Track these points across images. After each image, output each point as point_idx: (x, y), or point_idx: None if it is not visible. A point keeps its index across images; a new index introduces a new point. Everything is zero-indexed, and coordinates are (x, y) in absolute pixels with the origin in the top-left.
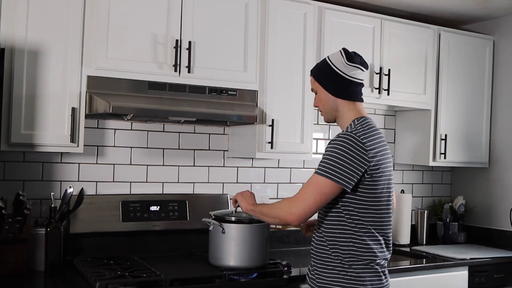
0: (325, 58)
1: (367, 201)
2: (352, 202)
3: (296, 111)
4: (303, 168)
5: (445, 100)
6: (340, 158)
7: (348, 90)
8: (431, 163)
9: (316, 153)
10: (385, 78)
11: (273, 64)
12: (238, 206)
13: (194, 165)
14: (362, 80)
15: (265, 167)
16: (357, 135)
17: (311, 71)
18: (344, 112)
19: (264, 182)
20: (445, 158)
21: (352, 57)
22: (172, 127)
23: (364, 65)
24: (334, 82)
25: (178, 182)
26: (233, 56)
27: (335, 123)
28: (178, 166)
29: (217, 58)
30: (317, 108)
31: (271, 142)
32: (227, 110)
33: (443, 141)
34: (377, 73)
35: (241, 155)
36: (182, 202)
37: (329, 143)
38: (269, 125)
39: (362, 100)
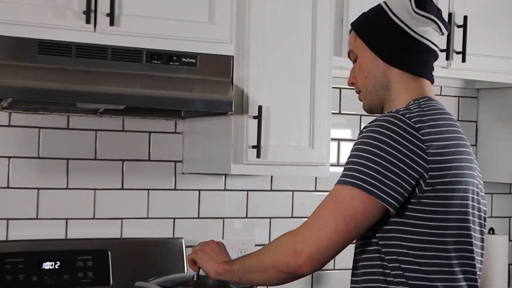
0: (379, 4)
1: (429, 236)
2: (401, 237)
3: (301, 93)
4: (315, 191)
5: None
6: (378, 154)
7: (412, 56)
8: None
9: (338, 164)
10: (458, 33)
11: (259, 10)
12: (200, 269)
13: (122, 188)
14: (436, 45)
15: (247, 190)
16: (407, 116)
17: (353, 24)
18: (398, 92)
19: (247, 217)
20: None
21: (425, 3)
22: (84, 122)
23: (444, 22)
24: (390, 39)
25: (94, 218)
26: None
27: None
28: (95, 189)
29: None
30: (353, 87)
31: (258, 147)
32: (180, 90)
33: None
34: None
35: (205, 169)
36: (101, 253)
37: (360, 133)
38: (254, 117)
39: (432, 79)
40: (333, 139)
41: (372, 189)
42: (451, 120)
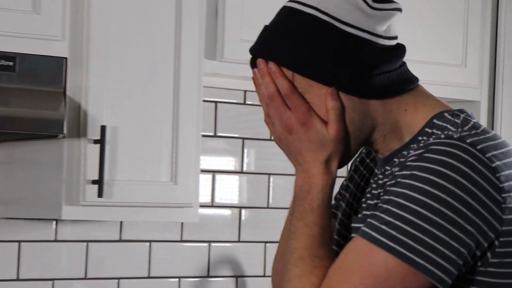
0: (294, 9)
1: None
2: None
3: (160, 108)
4: (181, 241)
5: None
6: (436, 210)
7: (392, 69)
8: None
9: (212, 205)
10: None
11: None
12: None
13: None
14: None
15: (88, 241)
16: (479, 148)
17: (274, 53)
18: (396, 119)
19: (87, 278)
20: None
21: None
22: None
23: (397, 3)
24: (357, 63)
25: None
26: None
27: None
28: None
29: None
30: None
31: (100, 182)
32: None
33: None
34: None
35: (28, 213)
36: None
37: (408, 168)
38: (95, 141)
39: (417, 79)
40: (205, 171)
41: (420, 261)
42: (510, 147)
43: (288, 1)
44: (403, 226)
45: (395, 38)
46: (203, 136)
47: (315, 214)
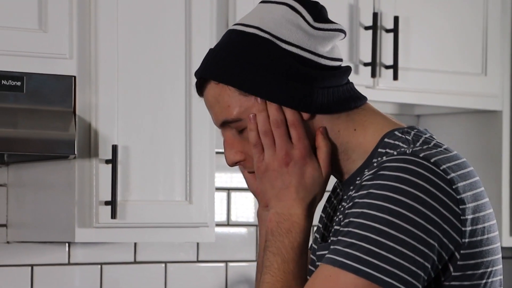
0: (236, 30)
1: None
2: None
3: (172, 126)
4: (197, 262)
5: None
6: (398, 226)
7: (338, 87)
8: (507, 243)
9: (228, 224)
10: (386, 40)
11: (110, 12)
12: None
13: None
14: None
15: (102, 263)
16: (433, 161)
17: (208, 71)
18: (344, 139)
19: None
20: None
21: (323, 12)
22: None
23: (339, 25)
24: (297, 78)
25: None
26: None
27: None
28: None
29: None
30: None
31: (113, 203)
32: (0, 125)
33: None
34: (367, 28)
35: (40, 236)
36: None
37: (365, 187)
38: (107, 161)
39: (365, 98)
40: (220, 189)
41: (387, 279)
42: (468, 165)
43: (232, 25)
44: (366, 245)
45: (339, 60)
46: (217, 152)
47: (295, 252)
